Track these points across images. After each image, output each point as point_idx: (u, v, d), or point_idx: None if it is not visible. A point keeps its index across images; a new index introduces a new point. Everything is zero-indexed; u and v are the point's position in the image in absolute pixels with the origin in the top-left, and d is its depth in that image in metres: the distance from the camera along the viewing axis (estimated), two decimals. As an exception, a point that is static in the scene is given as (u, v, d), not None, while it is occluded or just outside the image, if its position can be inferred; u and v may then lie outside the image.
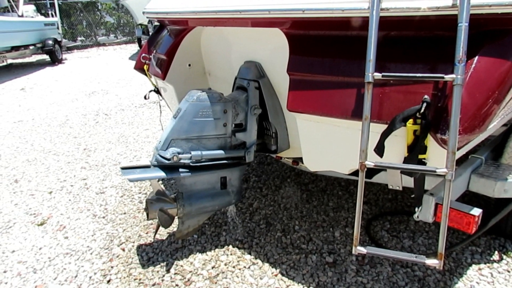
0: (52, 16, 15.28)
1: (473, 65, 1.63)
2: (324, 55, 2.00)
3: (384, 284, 2.43)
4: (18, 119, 6.59)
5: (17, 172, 4.34)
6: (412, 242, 2.82)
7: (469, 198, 3.03)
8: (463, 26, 1.51)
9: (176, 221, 2.71)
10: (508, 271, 2.52)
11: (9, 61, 13.44)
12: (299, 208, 3.32)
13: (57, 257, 2.80)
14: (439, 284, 2.42)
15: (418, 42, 1.78)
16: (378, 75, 1.68)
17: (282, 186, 3.72)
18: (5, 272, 2.66)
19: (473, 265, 2.58)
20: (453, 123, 1.53)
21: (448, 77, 1.56)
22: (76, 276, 2.60)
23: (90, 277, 2.58)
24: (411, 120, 1.68)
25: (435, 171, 1.64)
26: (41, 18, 14.28)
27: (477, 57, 1.64)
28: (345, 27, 1.90)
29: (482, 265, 2.58)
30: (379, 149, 1.76)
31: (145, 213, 3.03)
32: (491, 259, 2.64)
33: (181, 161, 2.49)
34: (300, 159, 2.75)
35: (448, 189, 1.65)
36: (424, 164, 1.77)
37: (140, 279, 2.54)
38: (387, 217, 3.14)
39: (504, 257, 2.65)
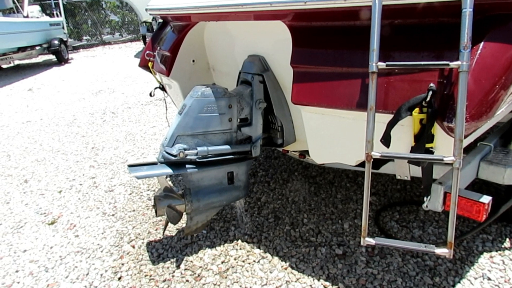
0: (57, 16, 15.35)
1: (479, 51, 1.60)
2: (327, 47, 1.98)
3: (395, 275, 2.42)
4: (27, 119, 6.64)
5: (27, 172, 4.37)
6: (422, 232, 2.80)
7: (480, 185, 3.01)
8: (467, 11, 1.49)
9: (184, 217, 2.72)
10: (520, 259, 2.50)
11: (16, 62, 13.55)
12: (307, 201, 3.31)
13: (68, 256, 2.82)
14: (451, 273, 2.41)
15: (422, 30, 1.75)
16: (382, 65, 1.66)
17: (290, 180, 3.72)
18: (17, 271, 2.69)
19: (485, 253, 2.56)
20: (459, 111, 1.51)
21: (453, 64, 1.53)
22: (87, 274, 2.62)
23: (101, 275, 2.60)
24: (417, 109, 1.66)
25: (442, 160, 1.62)
26: (47, 18, 14.34)
27: (482, 42, 1.61)
28: (347, 17, 1.88)
29: (493, 253, 2.56)
30: (386, 139, 1.74)
31: (153, 210, 3.04)
32: (503, 246, 2.62)
33: (188, 157, 2.49)
34: (307, 152, 2.74)
35: (456, 177, 1.63)
36: (432, 153, 1.75)
37: (150, 276, 2.55)
38: (396, 208, 3.12)
39: (516, 244, 2.63)
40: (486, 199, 1.97)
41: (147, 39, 14.76)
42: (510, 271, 2.40)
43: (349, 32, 1.92)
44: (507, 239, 2.67)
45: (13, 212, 3.50)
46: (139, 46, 17.40)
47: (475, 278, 2.37)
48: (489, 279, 2.35)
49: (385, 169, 2.50)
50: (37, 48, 12.96)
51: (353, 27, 1.89)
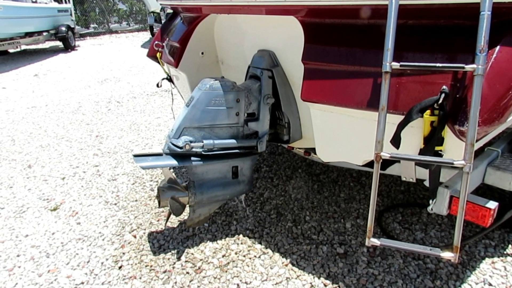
0: (66, 2, 15.33)
1: (494, 55, 1.58)
2: (340, 44, 1.96)
3: (396, 276, 2.41)
4: (32, 105, 6.65)
5: (31, 158, 4.38)
6: (425, 235, 2.79)
7: (484, 191, 2.99)
8: (485, 14, 1.47)
9: (187, 209, 2.72)
10: (522, 266, 2.49)
11: (23, 47, 13.56)
12: (310, 199, 3.30)
13: (69, 242, 2.83)
14: (452, 277, 2.40)
15: (436, 32, 1.74)
16: (396, 65, 1.65)
17: (293, 177, 3.71)
18: (18, 256, 2.70)
19: (487, 259, 2.55)
20: (472, 115, 1.49)
21: (468, 67, 1.52)
22: (88, 262, 2.62)
23: (102, 263, 2.61)
24: (428, 111, 1.65)
25: (452, 163, 1.61)
26: (55, 4, 14.33)
27: (498, 47, 1.59)
28: (362, 15, 1.86)
29: (495, 259, 2.55)
30: (396, 141, 1.73)
31: (156, 201, 3.04)
32: (505, 252, 2.61)
33: (193, 149, 2.48)
34: (312, 149, 2.74)
35: (466, 181, 1.62)
36: (441, 156, 1.74)
37: (151, 266, 2.56)
38: (399, 209, 3.11)
39: (518, 251, 2.62)
40: (493, 204, 1.96)
41: (154, 29, 14.78)
42: (511, 278, 2.39)
43: (363, 30, 1.90)
44: (510, 246, 2.66)
45: (16, 197, 3.50)
46: (146, 36, 17.37)
47: (476, 283, 2.36)
48: (490, 284, 2.35)
49: (390, 170, 2.48)
50: (44, 34, 12.96)
51: (368, 25, 1.88)
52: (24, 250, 2.76)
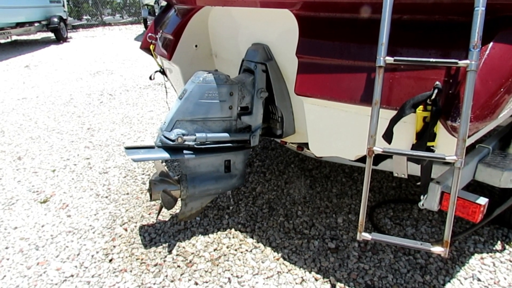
0: (58, -7, 15.17)
1: (487, 52, 1.59)
2: (334, 38, 1.96)
3: (386, 271, 2.43)
4: (22, 96, 6.58)
5: (21, 149, 4.34)
6: (415, 230, 2.81)
7: (474, 187, 3.02)
8: (479, 10, 1.47)
9: (179, 202, 2.71)
10: (511, 261, 2.51)
11: (14, 37, 13.43)
12: (302, 194, 3.31)
13: (59, 235, 2.81)
14: (441, 272, 2.42)
15: (430, 27, 1.74)
16: (390, 59, 1.65)
17: (286, 172, 3.71)
18: (7, 248, 2.67)
19: (476, 254, 2.58)
20: (465, 110, 1.50)
21: (462, 62, 1.52)
22: (78, 254, 2.61)
23: (92, 256, 2.59)
24: (421, 107, 1.65)
25: (444, 158, 1.62)
26: (47, -5, 14.18)
27: (491, 43, 1.60)
28: (357, 9, 1.85)
29: (484, 255, 2.57)
30: (388, 135, 1.73)
31: (148, 194, 3.02)
32: (494, 248, 2.63)
33: (186, 142, 2.47)
34: (305, 144, 2.73)
35: (457, 176, 1.63)
36: (433, 151, 1.74)
37: (142, 259, 2.55)
38: (391, 205, 3.13)
39: (507, 247, 2.64)
40: (483, 200, 1.97)
41: (148, 22, 14.68)
42: (500, 273, 2.41)
43: (357, 25, 1.90)
44: (499, 242, 2.69)
45: (5, 189, 3.47)
46: (139, 29, 17.25)
47: (465, 278, 2.38)
48: (479, 280, 2.37)
49: (383, 166, 2.49)
50: (36, 24, 12.83)
51: (362, 20, 1.87)
52: (13, 242, 2.74)
